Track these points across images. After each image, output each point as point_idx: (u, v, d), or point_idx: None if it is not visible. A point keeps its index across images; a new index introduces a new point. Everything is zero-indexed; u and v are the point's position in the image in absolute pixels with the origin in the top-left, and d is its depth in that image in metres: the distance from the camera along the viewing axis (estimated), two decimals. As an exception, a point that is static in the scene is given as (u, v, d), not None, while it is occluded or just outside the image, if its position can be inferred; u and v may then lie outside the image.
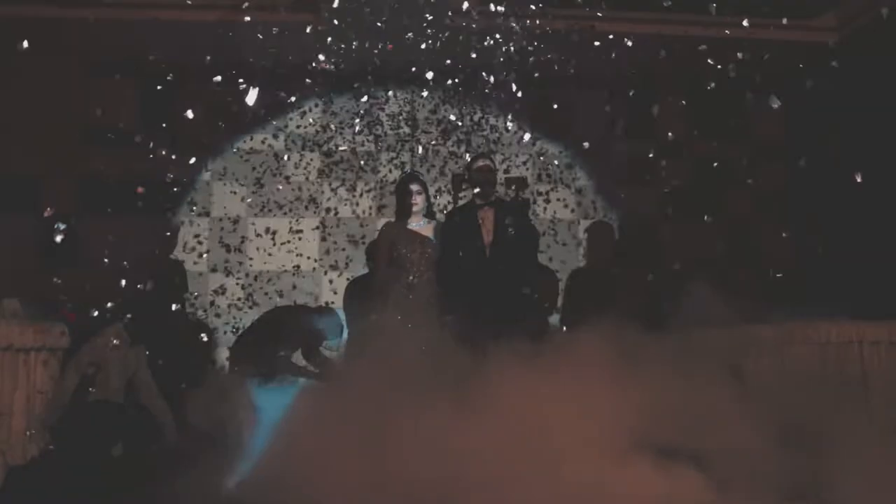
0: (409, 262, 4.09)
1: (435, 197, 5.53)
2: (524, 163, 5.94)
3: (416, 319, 3.94)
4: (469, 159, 4.60)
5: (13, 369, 3.13)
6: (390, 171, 5.76)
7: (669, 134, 5.76)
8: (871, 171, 5.26)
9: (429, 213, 4.33)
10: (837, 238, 5.41)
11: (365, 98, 5.73)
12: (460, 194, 4.98)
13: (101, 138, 5.52)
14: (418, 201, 4.21)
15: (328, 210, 5.74)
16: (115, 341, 3.40)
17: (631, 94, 5.67)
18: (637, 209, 5.85)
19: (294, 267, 5.63)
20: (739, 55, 5.27)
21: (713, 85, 5.66)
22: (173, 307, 4.96)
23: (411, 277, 4.06)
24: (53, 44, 5.27)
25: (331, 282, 5.65)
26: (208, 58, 5.28)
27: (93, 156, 5.52)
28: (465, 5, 5.01)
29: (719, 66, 5.55)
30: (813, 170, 5.82)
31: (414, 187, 4.23)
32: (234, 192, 5.70)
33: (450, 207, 5.08)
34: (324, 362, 4.42)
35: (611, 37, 4.92)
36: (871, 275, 4.91)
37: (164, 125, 5.55)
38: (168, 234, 5.26)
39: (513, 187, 5.53)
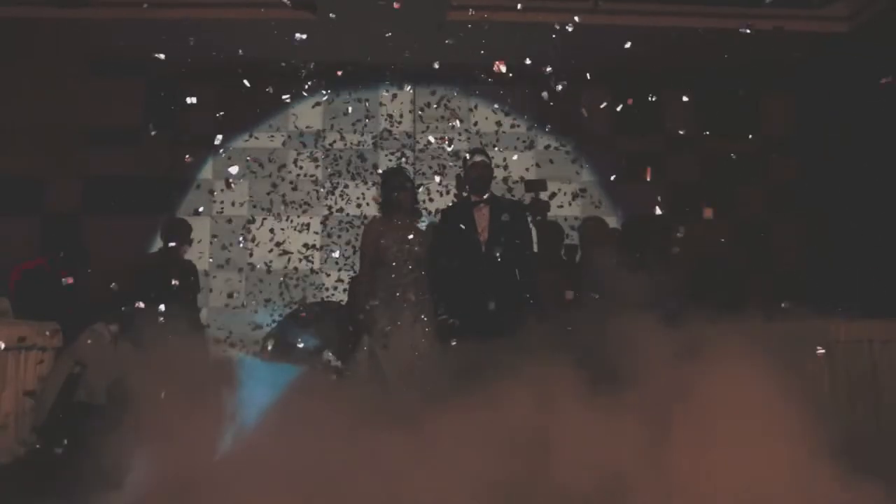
0: (395, 259, 4.00)
1: (433, 195, 5.48)
2: (533, 165, 5.86)
3: (403, 316, 3.89)
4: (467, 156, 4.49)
5: (2, 368, 3.12)
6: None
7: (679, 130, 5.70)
8: (883, 164, 5.14)
9: (414, 209, 4.25)
10: (848, 234, 5.27)
11: (365, 94, 5.70)
12: (464, 194, 4.90)
13: (105, 138, 5.54)
14: (403, 196, 4.12)
15: (330, 208, 5.71)
16: (91, 340, 3.37)
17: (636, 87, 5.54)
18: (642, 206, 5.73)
19: (294, 266, 5.61)
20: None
21: (721, 79, 5.61)
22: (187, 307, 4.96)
23: (395, 274, 3.98)
24: (56, 44, 5.31)
25: (328, 275, 5.63)
26: (208, 55, 5.31)
27: (97, 156, 5.55)
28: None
29: (728, 59, 5.48)
30: (824, 164, 5.69)
31: (398, 182, 4.14)
32: (237, 190, 5.69)
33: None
34: (355, 360, 4.32)
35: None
36: (881, 272, 4.77)
37: (167, 124, 5.60)
38: (180, 233, 5.24)
39: (532, 193, 5.52)
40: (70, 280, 4.58)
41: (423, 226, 4.27)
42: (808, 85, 5.80)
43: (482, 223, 4.11)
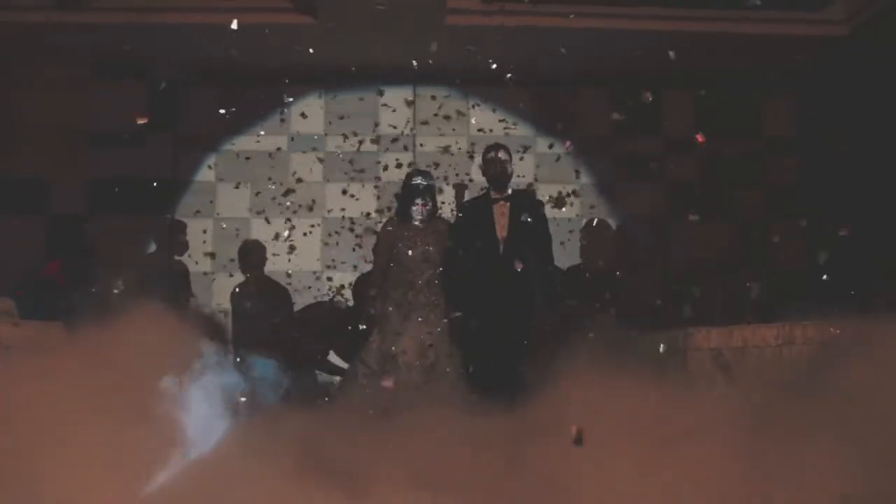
0: (411, 260, 4.00)
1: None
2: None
3: (415, 319, 3.91)
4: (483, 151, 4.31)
5: (5, 368, 3.17)
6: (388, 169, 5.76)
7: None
8: (883, 166, 5.15)
9: (433, 213, 4.19)
10: (847, 235, 5.29)
11: (366, 97, 5.75)
12: (464, 202, 4.86)
13: (108, 140, 5.61)
14: (424, 202, 4.07)
15: (330, 210, 5.76)
16: None
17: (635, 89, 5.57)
18: (642, 207, 5.77)
19: (297, 267, 5.65)
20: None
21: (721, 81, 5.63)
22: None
23: (411, 276, 3.99)
24: (60, 48, 5.38)
25: (329, 279, 5.67)
26: (210, 59, 5.39)
27: (99, 157, 5.62)
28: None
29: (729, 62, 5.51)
30: (824, 165, 5.71)
31: (420, 190, 4.08)
32: (238, 192, 5.74)
33: (452, 216, 4.90)
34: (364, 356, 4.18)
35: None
36: (880, 272, 4.78)
37: (169, 126, 5.67)
38: (176, 235, 5.31)
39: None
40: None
41: (437, 223, 4.19)
42: (808, 87, 5.82)
43: (501, 221, 4.01)
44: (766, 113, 6.00)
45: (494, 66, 5.05)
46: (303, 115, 5.79)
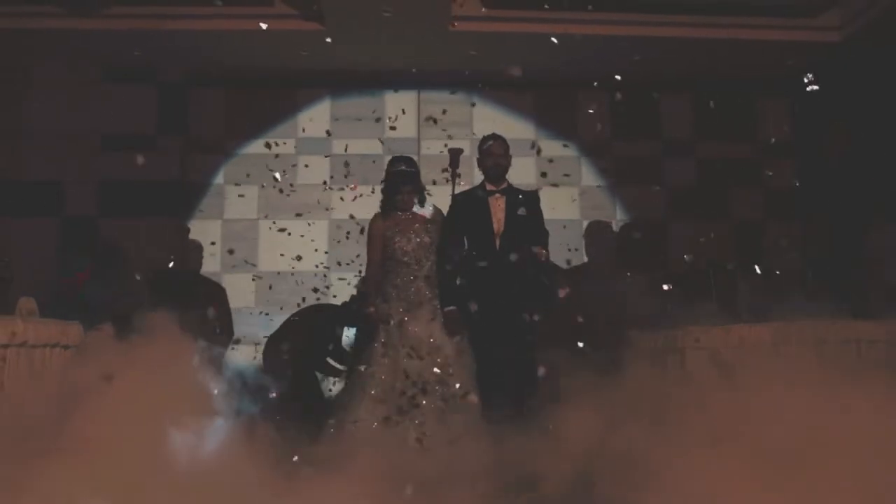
0: (405, 254, 3.82)
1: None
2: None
3: (418, 314, 3.76)
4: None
5: (28, 366, 3.27)
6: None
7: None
8: (879, 168, 5.27)
9: (420, 200, 3.97)
10: (843, 237, 5.40)
11: (371, 101, 5.85)
12: (458, 170, 4.73)
13: (119, 144, 5.71)
14: (408, 200, 3.88)
15: (336, 211, 5.86)
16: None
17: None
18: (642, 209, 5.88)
19: (301, 267, 5.74)
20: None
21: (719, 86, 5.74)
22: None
23: (410, 270, 3.80)
24: (72, 53, 5.49)
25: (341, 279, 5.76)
26: (219, 64, 5.49)
27: (110, 161, 5.72)
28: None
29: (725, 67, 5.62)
30: (821, 169, 5.82)
31: (405, 175, 3.89)
32: (246, 194, 5.84)
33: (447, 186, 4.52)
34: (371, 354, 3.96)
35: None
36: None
37: (179, 130, 5.78)
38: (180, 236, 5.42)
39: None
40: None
41: (428, 212, 3.99)
42: (803, 92, 5.92)
43: (497, 214, 3.86)
44: (764, 116, 6.11)
45: (497, 70, 5.17)
46: (311, 118, 5.90)
